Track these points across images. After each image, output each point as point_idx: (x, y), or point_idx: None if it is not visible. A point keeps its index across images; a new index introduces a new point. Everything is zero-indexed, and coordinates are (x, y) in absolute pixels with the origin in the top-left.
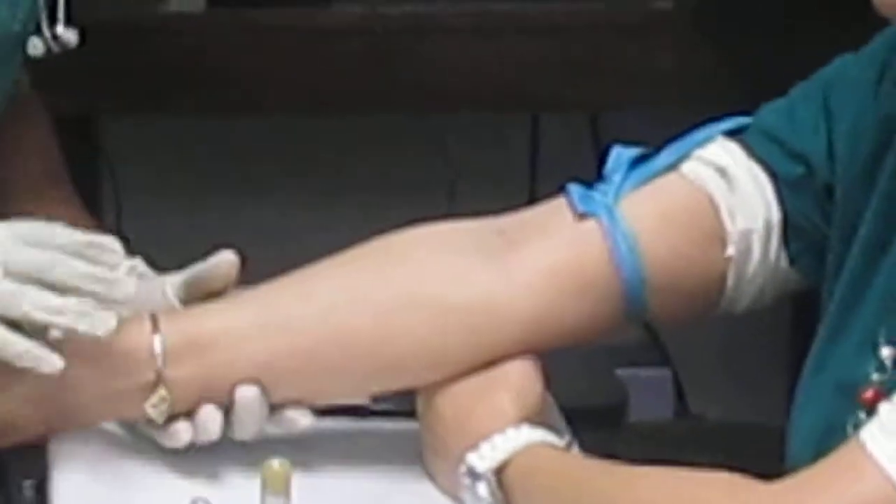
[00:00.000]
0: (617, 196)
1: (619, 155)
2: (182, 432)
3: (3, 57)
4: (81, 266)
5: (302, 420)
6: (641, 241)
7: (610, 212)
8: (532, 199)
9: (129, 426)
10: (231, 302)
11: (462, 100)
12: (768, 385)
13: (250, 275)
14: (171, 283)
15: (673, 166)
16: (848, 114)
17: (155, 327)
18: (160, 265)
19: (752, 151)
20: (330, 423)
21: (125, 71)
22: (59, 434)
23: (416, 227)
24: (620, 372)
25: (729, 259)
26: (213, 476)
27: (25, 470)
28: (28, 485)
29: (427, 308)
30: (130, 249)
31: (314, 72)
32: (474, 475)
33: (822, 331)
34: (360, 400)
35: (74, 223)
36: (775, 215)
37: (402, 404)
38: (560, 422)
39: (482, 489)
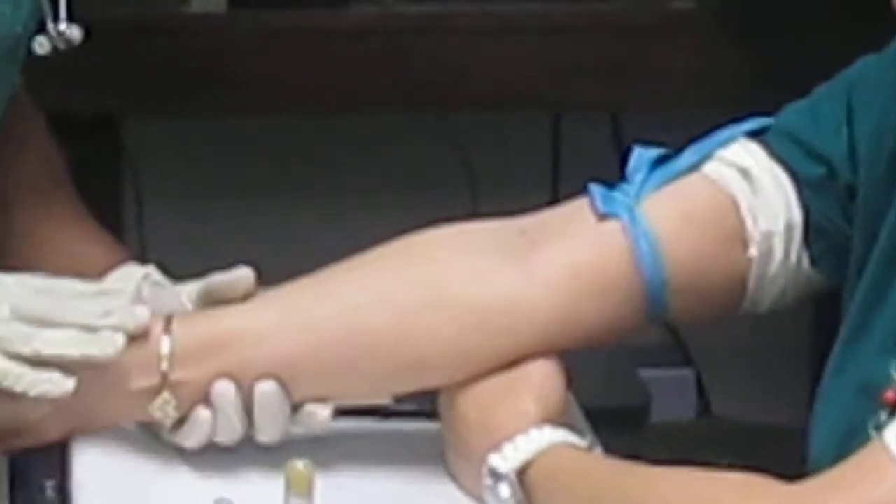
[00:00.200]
0: (638, 196)
1: (641, 155)
2: (185, 436)
3: (7, 55)
4: (89, 305)
5: (321, 413)
6: (663, 241)
7: (631, 212)
8: (554, 200)
9: (148, 428)
10: (251, 302)
11: (483, 100)
12: (790, 386)
13: (272, 276)
14: (188, 291)
15: (695, 167)
16: (870, 115)
17: (166, 329)
18: (182, 266)
19: (773, 152)
20: (351, 424)
21: (147, 72)
22: (80, 435)
23: (438, 227)
24: (643, 372)
25: (751, 260)
26: (235, 476)
27: (47, 470)
28: (50, 485)
29: (449, 308)
30: (145, 255)
31: (337, 73)
32: (496, 476)
33: (843, 331)
34: (382, 400)
35: (76, 225)
36: (797, 216)
37: (424, 405)
38: (582, 422)
39: (504, 490)
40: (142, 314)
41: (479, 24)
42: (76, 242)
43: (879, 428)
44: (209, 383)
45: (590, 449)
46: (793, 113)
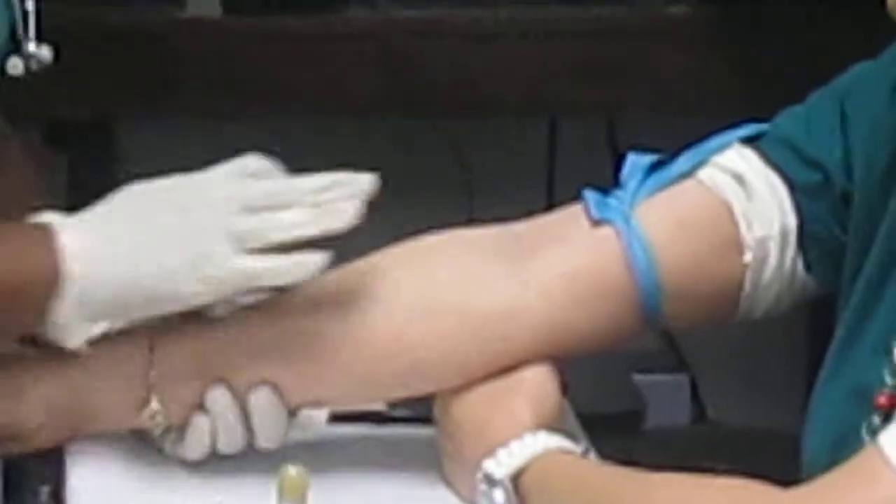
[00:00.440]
0: (633, 202)
1: (635, 162)
2: (187, 448)
3: None
4: (309, 181)
5: (317, 416)
6: (657, 247)
7: (626, 218)
8: (550, 205)
9: (151, 443)
10: (240, 310)
11: (479, 105)
12: (786, 391)
13: None
14: None
15: (689, 173)
16: (865, 121)
17: (153, 340)
18: None
19: (768, 158)
20: (347, 429)
21: (143, 75)
22: (75, 441)
23: (434, 233)
24: (638, 378)
25: (745, 266)
26: (229, 482)
27: (41, 476)
28: (44, 491)
29: (444, 314)
30: None
31: (331, 77)
32: (491, 481)
33: (837, 337)
34: (377, 406)
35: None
36: (792, 222)
37: (420, 410)
38: (577, 428)
39: (499, 496)
40: (370, 178)
41: (474, 28)
42: None
43: (873, 432)
44: (200, 391)
45: (584, 455)
46: (787, 119)
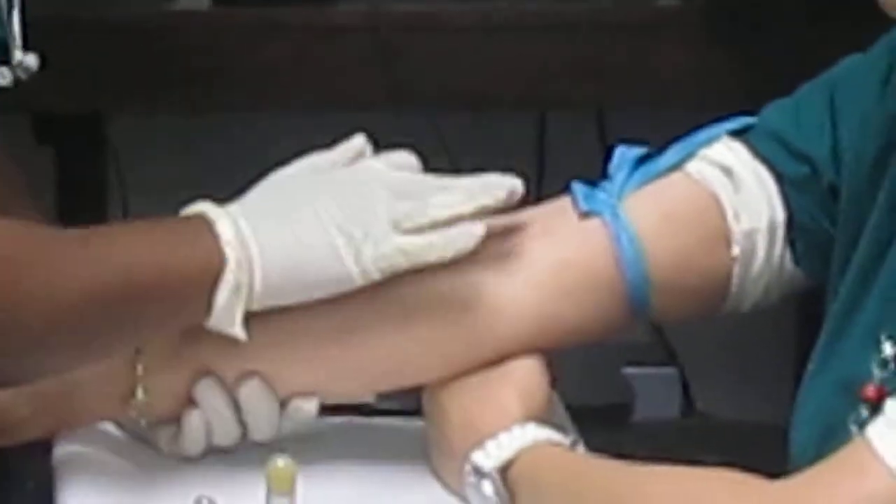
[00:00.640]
0: (621, 195)
1: (624, 154)
2: (184, 444)
3: None
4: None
5: (307, 406)
6: (645, 240)
7: (613, 211)
8: (539, 198)
9: (147, 442)
10: None
11: (469, 98)
12: (775, 384)
13: None
14: None
15: (677, 165)
16: (854, 114)
17: None
18: None
19: (756, 151)
20: (335, 421)
21: (131, 69)
22: (63, 434)
23: None
24: (627, 370)
25: (734, 258)
26: (217, 474)
27: (28, 469)
28: (31, 483)
29: (431, 306)
30: None
31: (319, 70)
32: (480, 473)
33: (825, 329)
34: (365, 398)
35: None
36: (780, 215)
37: (408, 403)
38: (565, 420)
39: (487, 487)
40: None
41: (464, 22)
42: None
43: (860, 424)
44: (187, 383)
45: (573, 447)
46: (776, 112)
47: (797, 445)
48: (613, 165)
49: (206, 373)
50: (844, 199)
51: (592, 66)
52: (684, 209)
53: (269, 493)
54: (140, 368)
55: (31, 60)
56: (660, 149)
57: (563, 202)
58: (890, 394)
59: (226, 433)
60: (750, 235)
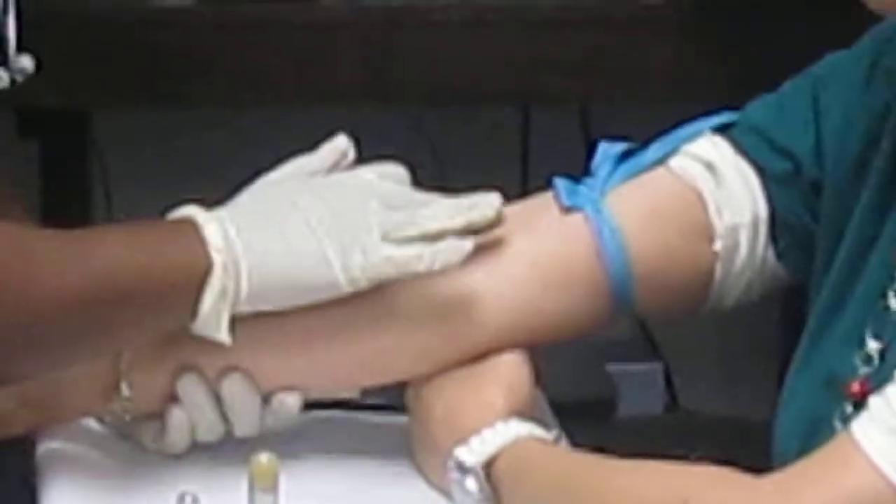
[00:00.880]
0: (603, 190)
1: (606, 150)
2: (168, 441)
3: None
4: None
5: (290, 401)
6: (627, 235)
7: (596, 206)
8: (523, 192)
9: (131, 439)
10: None
11: (452, 93)
12: (758, 380)
13: None
14: None
15: (660, 161)
16: (837, 110)
17: None
18: None
19: (739, 147)
20: (318, 417)
21: (115, 65)
22: (46, 430)
23: None
24: (610, 367)
25: (716, 254)
26: (201, 470)
27: (12, 464)
28: (15, 478)
29: (414, 301)
30: None
31: (304, 66)
32: (463, 469)
33: (809, 325)
34: (349, 394)
35: None
36: (763, 211)
37: (391, 399)
38: (548, 416)
39: (471, 483)
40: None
41: (448, 17)
42: None
43: (845, 420)
44: (171, 378)
45: (556, 442)
46: (759, 108)
47: (781, 442)
48: (596, 161)
49: (189, 368)
50: (827, 195)
51: (577, 62)
52: (667, 204)
53: (253, 488)
54: (124, 364)
55: (27, 62)
56: (643, 144)
57: (546, 197)
58: (874, 390)
59: (209, 428)
60: (732, 231)
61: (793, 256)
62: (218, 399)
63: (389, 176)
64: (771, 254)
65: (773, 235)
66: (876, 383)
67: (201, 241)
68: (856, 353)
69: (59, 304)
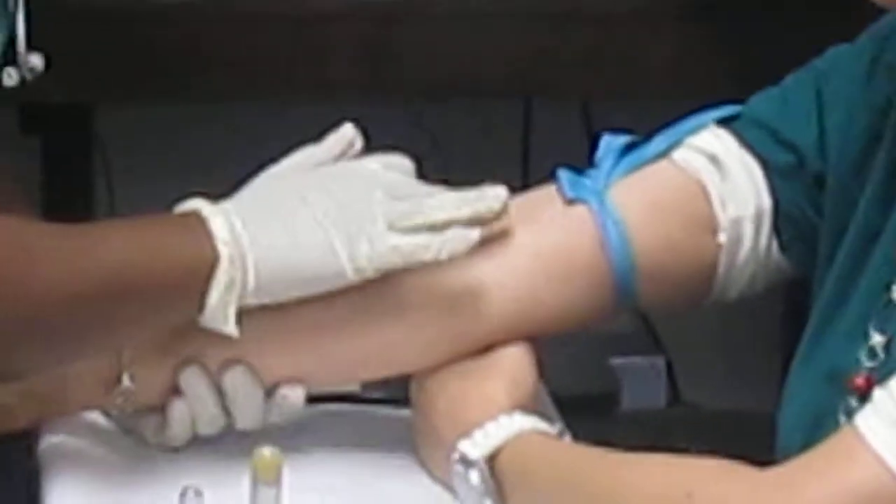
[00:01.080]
0: (607, 182)
1: (610, 142)
2: (169, 434)
3: None
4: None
5: (294, 395)
6: (631, 227)
7: (599, 198)
8: (524, 186)
9: (132, 433)
10: None
11: (454, 86)
12: (761, 373)
13: None
14: None
15: (664, 153)
16: (840, 104)
17: None
18: None
19: (743, 139)
20: (321, 410)
21: (118, 60)
22: (49, 424)
23: None
24: (613, 360)
25: (720, 246)
26: (204, 464)
27: (15, 457)
28: (18, 471)
29: (417, 294)
30: None
31: (309, 59)
32: (466, 462)
33: (812, 319)
34: (351, 388)
35: None
36: (766, 203)
37: (394, 392)
38: (551, 409)
39: (474, 476)
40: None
41: (450, 10)
42: None
43: (849, 414)
44: (173, 371)
45: (560, 436)
46: (763, 101)
47: (785, 436)
48: (600, 153)
49: (191, 361)
50: (830, 189)
51: (578, 55)
52: (671, 197)
53: (255, 482)
54: (126, 357)
55: (38, 60)
56: (646, 137)
57: (549, 189)
58: (878, 383)
59: (210, 421)
60: (736, 223)
61: (796, 249)
62: (220, 392)
63: (394, 166)
64: (774, 247)
65: (777, 228)
66: (880, 377)
67: (207, 235)
68: (860, 347)
69: (61, 299)
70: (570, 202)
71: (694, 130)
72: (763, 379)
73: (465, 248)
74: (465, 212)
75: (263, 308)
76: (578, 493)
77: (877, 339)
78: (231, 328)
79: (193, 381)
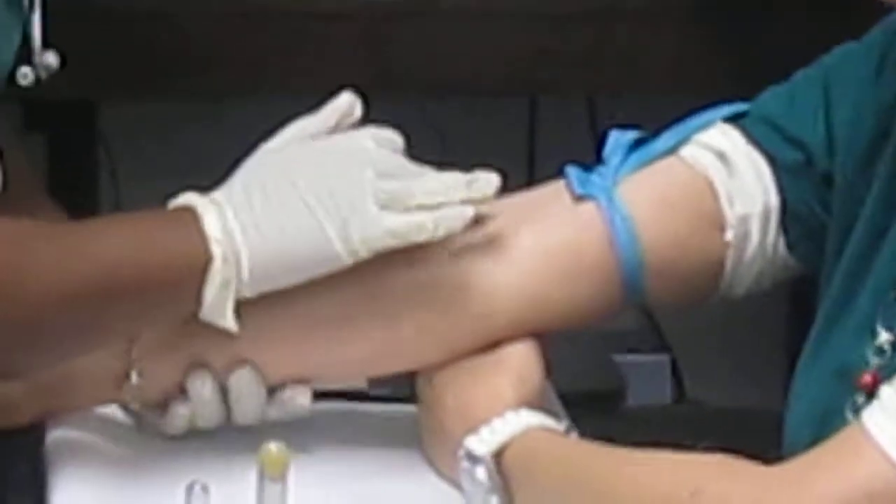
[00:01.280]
0: (615, 179)
1: (618, 138)
2: (172, 421)
3: None
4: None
5: (300, 398)
6: (639, 224)
7: (608, 194)
8: (530, 183)
9: (129, 416)
10: None
11: (460, 84)
12: (766, 371)
13: None
14: None
15: (672, 150)
16: (848, 102)
17: None
18: None
19: (751, 137)
20: (327, 407)
21: (122, 56)
22: (56, 418)
23: None
24: (618, 357)
25: (727, 244)
26: (210, 459)
27: (20, 451)
28: (23, 465)
29: (422, 289)
30: None
31: (309, 57)
32: (473, 459)
33: (820, 317)
34: (358, 384)
35: None
36: (774, 201)
37: (400, 389)
38: (557, 407)
39: (481, 473)
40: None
41: (456, 8)
42: None
43: (857, 411)
44: (181, 367)
45: (566, 433)
46: (771, 98)
47: (793, 433)
48: (608, 150)
49: (199, 359)
50: (838, 186)
51: (583, 52)
52: (679, 193)
53: (262, 478)
54: (135, 353)
55: (52, 59)
56: (654, 133)
57: (557, 186)
58: (885, 380)
59: (209, 419)
60: (744, 220)
61: (803, 247)
62: (224, 390)
63: (385, 142)
64: (782, 244)
65: (784, 226)
66: (887, 374)
67: (200, 233)
68: (867, 344)
69: (57, 298)
70: (579, 199)
71: (702, 127)
72: (768, 376)
73: (461, 225)
74: (458, 195)
75: (271, 304)
76: (585, 490)
77: (884, 336)
78: (229, 323)
79: (199, 385)
